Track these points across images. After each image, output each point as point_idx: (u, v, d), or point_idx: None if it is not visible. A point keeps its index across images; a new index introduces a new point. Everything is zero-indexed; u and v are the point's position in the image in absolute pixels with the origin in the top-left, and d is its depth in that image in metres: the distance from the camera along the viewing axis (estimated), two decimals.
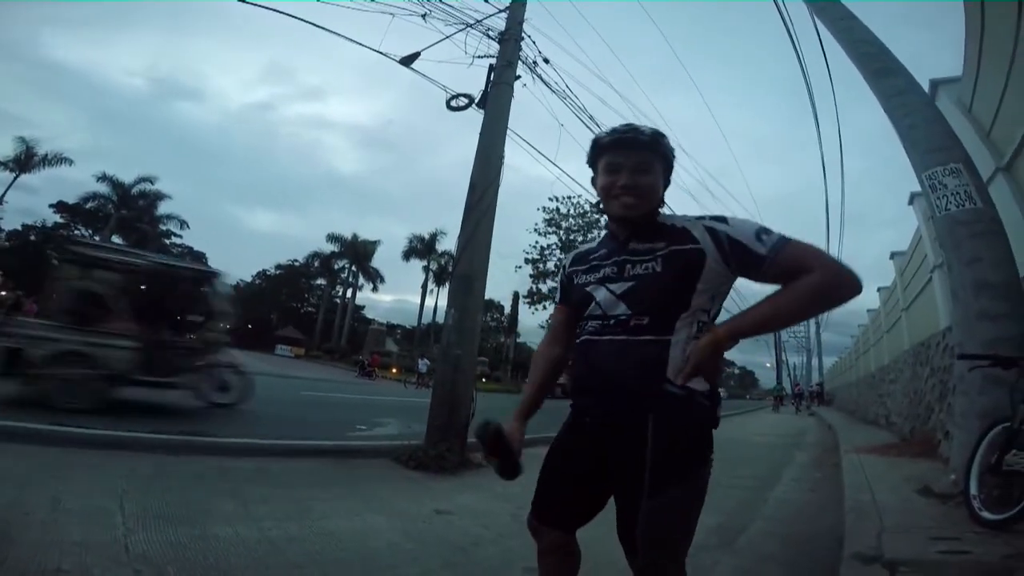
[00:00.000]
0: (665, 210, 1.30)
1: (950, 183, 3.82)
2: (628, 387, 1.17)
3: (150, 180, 35.25)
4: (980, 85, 5.54)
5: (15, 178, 29.85)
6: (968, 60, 5.63)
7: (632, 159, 1.23)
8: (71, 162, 31.11)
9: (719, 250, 1.16)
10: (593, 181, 1.32)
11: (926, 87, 5.59)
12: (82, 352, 5.11)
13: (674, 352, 1.14)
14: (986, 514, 2.60)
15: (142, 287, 6.23)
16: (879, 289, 15.07)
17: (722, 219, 1.21)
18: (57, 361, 4.99)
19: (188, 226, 39.45)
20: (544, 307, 35.05)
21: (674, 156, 1.29)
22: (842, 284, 1.11)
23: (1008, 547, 2.24)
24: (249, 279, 51.79)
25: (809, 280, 1.09)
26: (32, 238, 37.75)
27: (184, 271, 6.80)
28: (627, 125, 1.29)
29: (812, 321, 39.99)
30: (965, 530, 2.56)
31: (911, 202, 8.94)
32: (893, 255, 12.21)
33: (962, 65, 5.81)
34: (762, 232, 1.16)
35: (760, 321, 1.14)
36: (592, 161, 1.31)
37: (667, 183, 1.30)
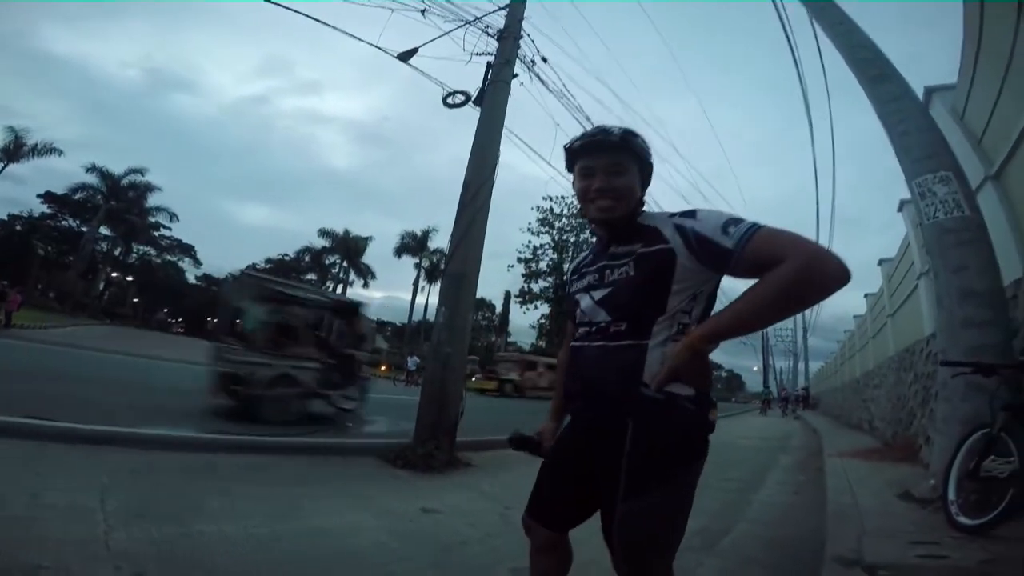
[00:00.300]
0: (654, 208, 1.30)
1: (939, 191, 3.87)
2: (609, 393, 1.17)
3: (140, 171, 34.94)
4: (974, 93, 5.60)
5: (3, 168, 29.36)
6: (964, 68, 5.69)
7: (603, 161, 1.22)
8: (61, 152, 30.71)
9: (688, 248, 1.11)
10: (574, 186, 1.31)
11: (920, 92, 5.65)
12: (289, 375, 6.21)
13: (651, 357, 1.12)
14: (964, 519, 2.64)
15: (321, 318, 7.65)
16: (866, 295, 15.27)
17: (691, 214, 1.15)
18: (272, 383, 5.99)
19: (178, 218, 39.15)
20: (535, 307, 35.11)
21: (650, 154, 1.27)
22: (820, 272, 0.98)
23: (985, 552, 2.28)
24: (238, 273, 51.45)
25: (780, 271, 0.99)
26: (18, 228, 37.16)
27: (347, 304, 8.22)
28: (597, 127, 1.27)
29: (800, 325, 40.49)
30: (943, 535, 2.60)
31: (900, 209, 9.07)
32: (881, 262, 12.38)
33: (957, 71, 5.87)
34: (730, 224, 1.08)
35: (733, 321, 1.05)
36: (569, 167, 1.31)
37: (646, 182, 1.28)
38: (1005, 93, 4.77)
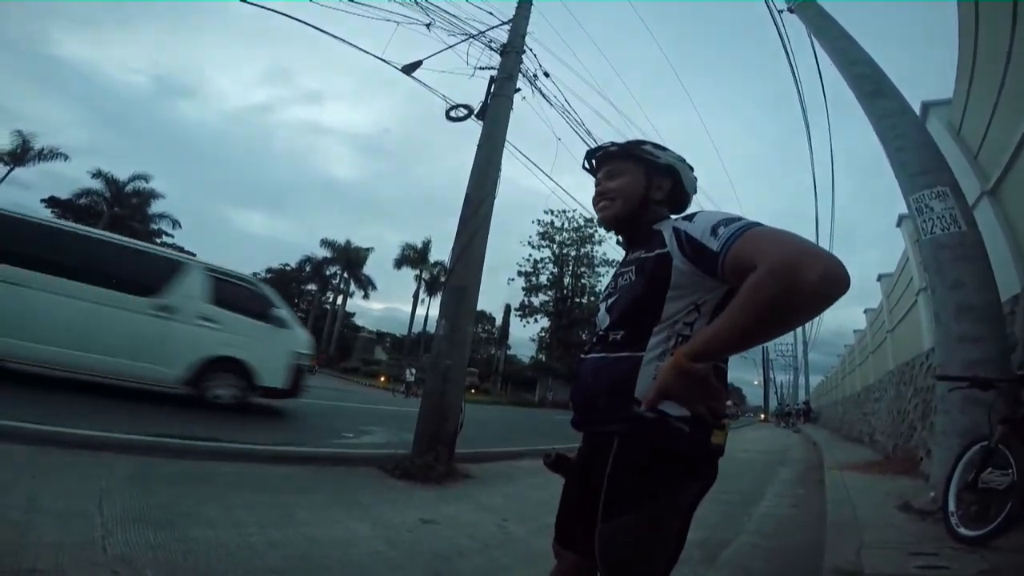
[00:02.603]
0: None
1: (936, 206, 3.88)
2: (599, 407, 1.13)
3: (144, 178, 34.97)
4: (970, 108, 5.63)
5: (8, 172, 29.47)
6: (959, 82, 5.75)
7: (603, 169, 1.28)
8: (67, 157, 30.71)
9: (681, 250, 1.05)
10: None
11: (917, 107, 5.70)
12: None
13: (644, 371, 1.05)
14: (963, 530, 2.64)
15: None
16: (866, 311, 15.30)
17: (691, 216, 1.09)
18: None
19: (180, 225, 38.97)
20: (535, 320, 35.05)
21: (659, 156, 1.24)
22: (792, 280, 0.83)
23: (984, 563, 2.27)
24: None
25: (751, 280, 0.87)
26: None
27: None
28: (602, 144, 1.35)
29: (800, 340, 40.38)
30: (943, 546, 2.59)
31: (899, 224, 9.12)
32: (880, 277, 12.43)
33: (953, 86, 5.94)
34: (721, 224, 0.98)
35: (712, 338, 0.94)
36: None
37: (661, 184, 1.24)
38: (1000, 108, 4.81)
